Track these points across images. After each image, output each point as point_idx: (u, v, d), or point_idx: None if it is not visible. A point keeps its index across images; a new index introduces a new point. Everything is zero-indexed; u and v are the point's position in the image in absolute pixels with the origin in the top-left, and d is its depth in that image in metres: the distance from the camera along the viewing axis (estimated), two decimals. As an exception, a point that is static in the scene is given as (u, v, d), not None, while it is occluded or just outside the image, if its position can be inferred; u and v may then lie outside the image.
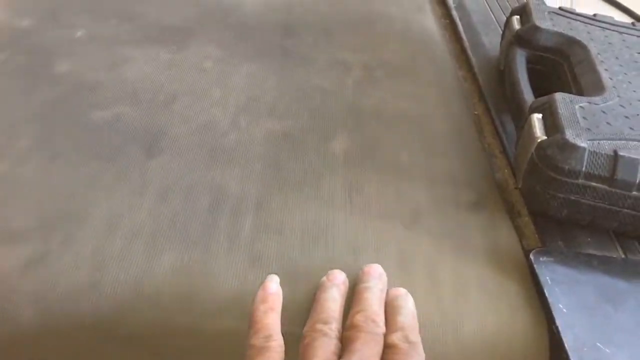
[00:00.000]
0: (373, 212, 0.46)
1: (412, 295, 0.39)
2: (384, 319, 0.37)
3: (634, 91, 0.50)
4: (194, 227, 0.43)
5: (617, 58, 0.55)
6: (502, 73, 0.63)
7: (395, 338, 0.35)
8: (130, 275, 0.39)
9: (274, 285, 0.38)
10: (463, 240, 0.45)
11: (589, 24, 0.61)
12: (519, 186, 0.48)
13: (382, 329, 0.35)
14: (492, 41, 0.71)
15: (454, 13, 0.78)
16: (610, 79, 0.51)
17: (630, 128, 0.45)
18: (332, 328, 0.35)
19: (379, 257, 0.42)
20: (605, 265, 0.43)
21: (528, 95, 0.54)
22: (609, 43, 0.58)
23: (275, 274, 0.39)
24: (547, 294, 0.39)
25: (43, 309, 0.37)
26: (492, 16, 0.78)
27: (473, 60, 0.68)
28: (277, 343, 0.34)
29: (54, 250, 0.40)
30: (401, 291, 0.38)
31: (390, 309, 0.37)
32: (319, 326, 0.35)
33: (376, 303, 0.37)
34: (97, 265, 0.39)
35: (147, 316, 0.37)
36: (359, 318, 0.36)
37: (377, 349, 0.34)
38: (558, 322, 0.38)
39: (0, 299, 0.37)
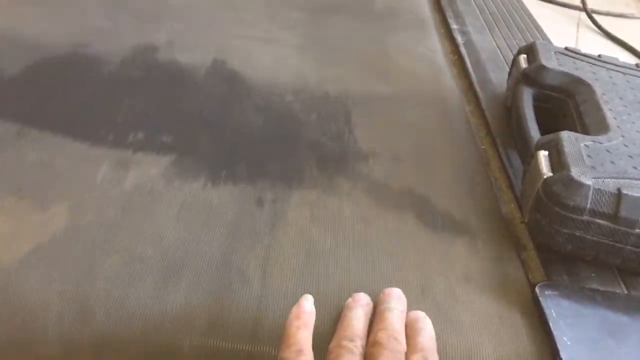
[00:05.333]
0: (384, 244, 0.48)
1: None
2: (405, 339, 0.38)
3: (638, 131, 0.52)
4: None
5: (621, 98, 0.57)
6: (509, 109, 0.65)
7: (416, 359, 0.36)
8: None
9: (308, 304, 0.40)
10: (470, 272, 0.46)
11: (594, 64, 0.63)
12: (525, 221, 0.49)
13: (403, 346, 0.37)
14: (499, 78, 0.73)
15: (463, 50, 0.80)
16: (615, 118, 0.53)
17: (634, 167, 0.47)
18: (357, 345, 0.37)
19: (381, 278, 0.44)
20: (609, 300, 0.44)
21: (534, 132, 0.56)
22: (614, 83, 0.60)
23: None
24: (552, 327, 0.40)
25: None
26: (500, 54, 0.80)
27: (480, 96, 0.70)
28: (307, 358, 0.36)
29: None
30: (420, 314, 0.40)
31: (410, 331, 0.39)
32: (345, 343, 0.37)
33: (398, 322, 0.39)
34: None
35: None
36: (381, 335, 0.37)
37: None
38: (562, 354, 0.39)
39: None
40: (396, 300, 0.41)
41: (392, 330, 0.38)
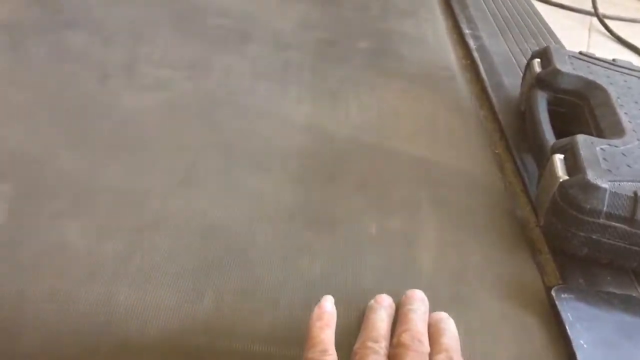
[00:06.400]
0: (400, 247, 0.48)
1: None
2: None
3: (653, 135, 0.52)
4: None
5: (636, 102, 0.57)
6: (523, 114, 0.65)
7: (441, 359, 0.36)
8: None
9: (329, 304, 0.40)
10: (485, 276, 0.46)
11: (609, 68, 0.63)
12: (541, 224, 0.49)
13: (427, 347, 0.37)
14: (512, 82, 0.73)
15: (475, 54, 0.80)
16: (630, 122, 0.53)
17: (650, 171, 0.47)
18: (382, 346, 0.37)
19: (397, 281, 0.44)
20: (626, 304, 0.44)
21: (549, 136, 0.56)
22: (628, 87, 0.60)
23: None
24: (568, 330, 0.40)
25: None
26: (513, 58, 0.80)
27: (494, 100, 0.70)
28: (332, 357, 0.36)
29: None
30: (443, 315, 0.40)
31: (434, 331, 0.39)
32: (370, 344, 0.37)
33: (421, 324, 0.39)
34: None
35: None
36: (405, 337, 0.37)
37: None
38: (579, 357, 0.38)
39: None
40: (419, 302, 0.41)
41: (416, 332, 0.38)
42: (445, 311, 0.41)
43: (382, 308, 0.40)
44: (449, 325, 0.39)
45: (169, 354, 0.38)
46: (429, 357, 0.37)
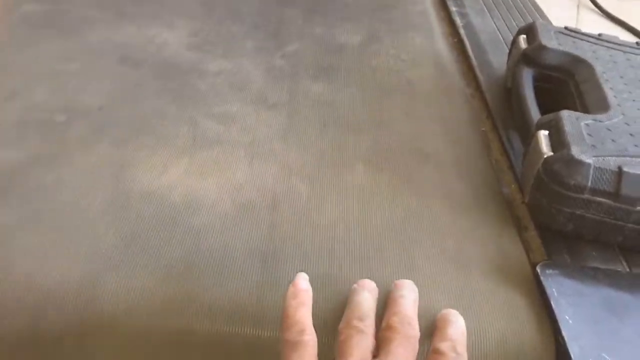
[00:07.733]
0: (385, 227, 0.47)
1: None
2: (433, 330, 0.38)
3: (638, 109, 0.52)
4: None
5: (621, 77, 0.56)
6: (509, 91, 0.64)
7: (444, 346, 0.36)
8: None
9: (303, 282, 0.40)
10: (471, 253, 0.46)
11: (594, 43, 0.63)
12: (526, 201, 0.49)
13: (416, 331, 0.37)
14: (499, 60, 0.72)
15: (462, 32, 0.80)
16: (615, 97, 0.53)
17: (635, 145, 0.46)
18: (367, 324, 0.36)
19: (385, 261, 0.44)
20: (611, 279, 0.44)
21: (535, 113, 0.55)
22: (614, 62, 0.59)
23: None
24: (553, 306, 0.40)
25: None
26: (500, 35, 0.79)
27: (480, 78, 0.69)
28: (311, 337, 0.35)
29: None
30: (453, 310, 0.39)
31: (442, 322, 0.38)
32: (355, 322, 0.36)
33: (410, 309, 0.38)
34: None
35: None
36: (394, 319, 0.37)
37: (412, 351, 0.36)
38: (564, 333, 0.38)
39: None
40: (408, 289, 0.40)
41: (405, 315, 0.37)
42: (431, 289, 0.41)
43: (366, 290, 0.40)
44: (457, 319, 0.39)
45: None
46: (431, 344, 0.36)
